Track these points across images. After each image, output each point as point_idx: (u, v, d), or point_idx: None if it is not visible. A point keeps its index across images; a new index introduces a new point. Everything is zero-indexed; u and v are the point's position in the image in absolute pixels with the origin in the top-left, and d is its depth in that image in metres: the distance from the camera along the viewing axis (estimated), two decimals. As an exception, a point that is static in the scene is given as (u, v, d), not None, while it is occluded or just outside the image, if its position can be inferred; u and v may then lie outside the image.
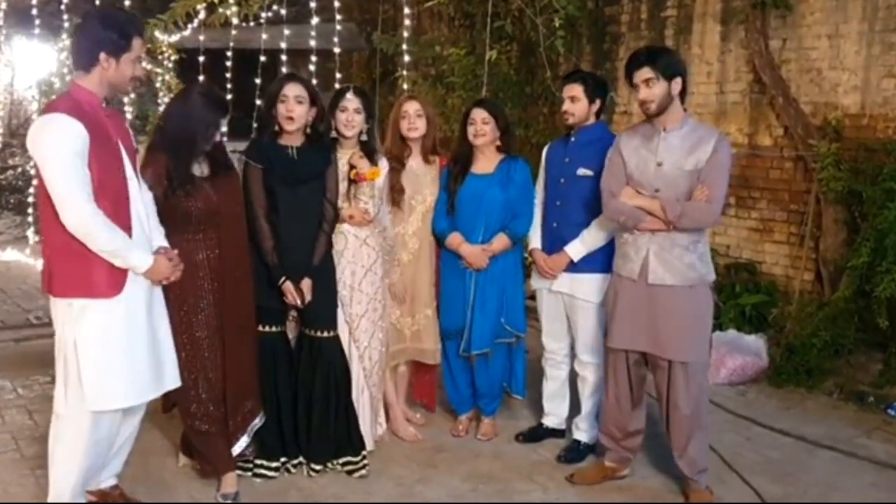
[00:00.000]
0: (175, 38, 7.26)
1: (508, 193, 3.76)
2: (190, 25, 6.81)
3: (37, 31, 7.28)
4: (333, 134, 3.60)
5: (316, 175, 3.43)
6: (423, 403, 4.22)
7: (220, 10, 6.53)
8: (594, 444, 3.76)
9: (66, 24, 6.77)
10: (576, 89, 3.65)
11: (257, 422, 3.32)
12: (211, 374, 3.14)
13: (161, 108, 6.56)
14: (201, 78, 6.38)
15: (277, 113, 3.37)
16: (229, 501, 3.23)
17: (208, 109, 3.06)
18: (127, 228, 2.77)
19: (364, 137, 3.62)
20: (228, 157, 3.27)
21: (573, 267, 3.65)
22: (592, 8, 6.87)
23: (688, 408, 3.23)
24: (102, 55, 2.72)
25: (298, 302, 3.35)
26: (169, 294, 3.01)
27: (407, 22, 6.05)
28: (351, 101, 3.55)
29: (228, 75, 6.45)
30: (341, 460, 3.52)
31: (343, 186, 3.53)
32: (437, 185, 3.85)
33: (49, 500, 2.91)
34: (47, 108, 2.79)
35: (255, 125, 5.74)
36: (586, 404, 3.81)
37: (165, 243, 2.96)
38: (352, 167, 3.55)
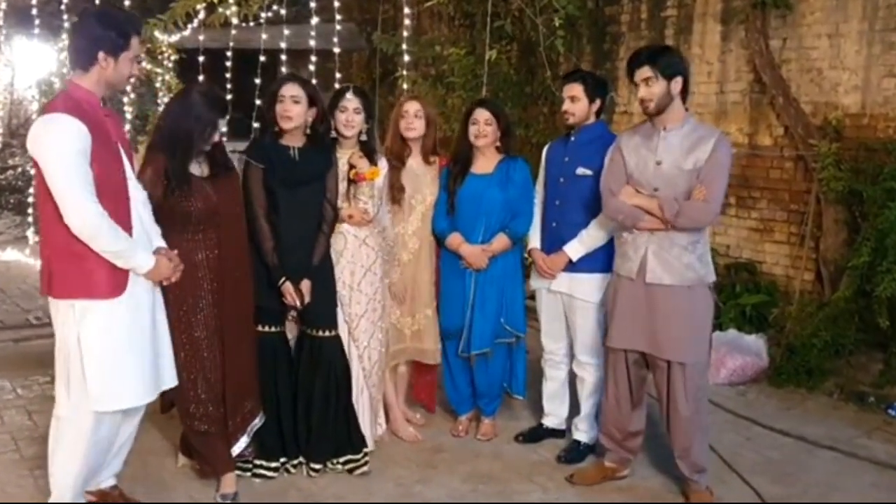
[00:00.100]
0: (175, 38, 7.26)
1: (508, 193, 3.75)
2: (190, 25, 6.82)
3: (37, 31, 7.29)
4: (333, 134, 3.59)
5: (317, 177, 3.43)
6: (422, 404, 4.22)
7: (220, 10, 6.53)
8: (594, 445, 3.76)
9: (66, 24, 6.77)
10: (576, 89, 3.65)
11: (257, 422, 3.31)
12: (210, 375, 3.14)
13: (161, 108, 6.55)
14: (201, 78, 6.38)
15: (276, 113, 3.37)
16: (228, 502, 3.22)
17: (207, 109, 3.05)
18: (128, 228, 2.76)
19: (364, 137, 3.61)
20: (228, 158, 3.26)
21: (572, 267, 3.64)
22: (592, 8, 6.86)
23: (687, 408, 3.23)
24: (101, 54, 2.71)
25: (298, 303, 3.35)
26: (168, 294, 3.00)
27: (407, 22, 6.05)
28: (350, 101, 3.55)
29: (228, 75, 6.46)
30: (342, 459, 3.52)
31: (342, 186, 3.53)
32: (437, 184, 3.85)
33: (50, 501, 2.91)
34: (46, 108, 2.78)
35: (254, 125, 5.76)
36: (585, 405, 3.81)
37: (163, 243, 2.95)
38: (351, 167, 3.55)
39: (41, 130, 2.67)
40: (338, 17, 5.86)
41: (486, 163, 3.81)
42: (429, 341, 3.90)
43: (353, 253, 3.56)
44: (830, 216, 5.12)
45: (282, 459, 3.47)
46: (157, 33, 6.86)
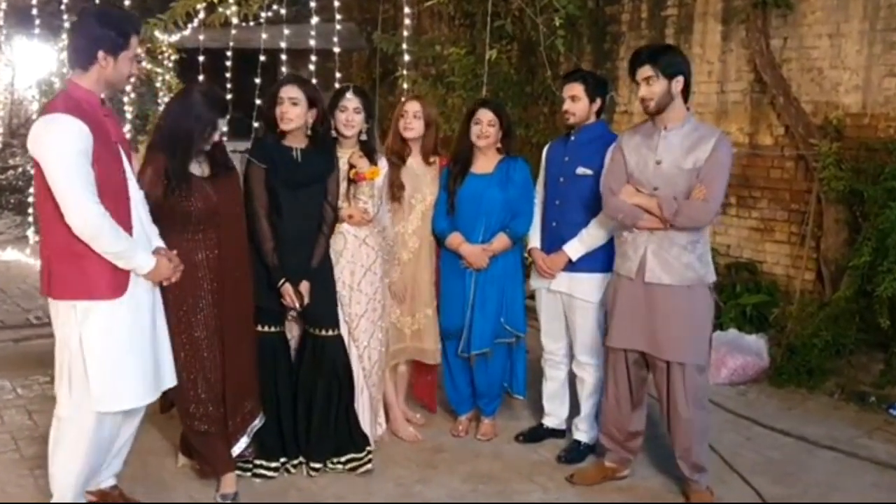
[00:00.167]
0: (175, 37, 7.26)
1: (508, 193, 3.75)
2: (190, 25, 6.81)
3: (37, 31, 7.29)
4: (333, 133, 3.59)
5: (318, 179, 3.44)
6: (423, 403, 4.21)
7: (220, 9, 6.53)
8: (594, 445, 3.75)
9: (66, 24, 6.77)
10: (576, 88, 3.64)
11: (257, 423, 3.31)
12: (210, 375, 3.13)
13: (161, 108, 6.55)
14: (201, 78, 6.38)
15: (275, 114, 3.37)
16: (228, 502, 3.22)
17: (207, 109, 3.05)
18: (128, 228, 2.76)
19: (364, 137, 3.61)
20: (229, 157, 3.26)
21: (571, 266, 3.64)
22: (593, 7, 6.86)
23: (687, 409, 3.22)
24: (101, 53, 2.71)
25: (297, 305, 3.35)
26: (168, 294, 3.00)
27: (407, 21, 6.05)
28: (350, 100, 3.55)
29: (228, 75, 6.46)
30: (344, 458, 3.51)
31: (342, 186, 3.53)
32: (437, 184, 3.84)
33: (50, 502, 2.91)
34: (47, 108, 2.77)
35: (255, 125, 5.76)
36: (585, 405, 3.80)
37: (161, 243, 2.95)
38: (351, 167, 3.55)
39: (42, 130, 2.66)
40: (338, 16, 5.86)
41: (486, 162, 3.81)
42: (429, 341, 3.90)
43: (352, 253, 3.56)
44: (831, 216, 5.11)
45: (282, 459, 3.47)
46: (157, 33, 6.86)
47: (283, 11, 6.49)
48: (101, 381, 2.74)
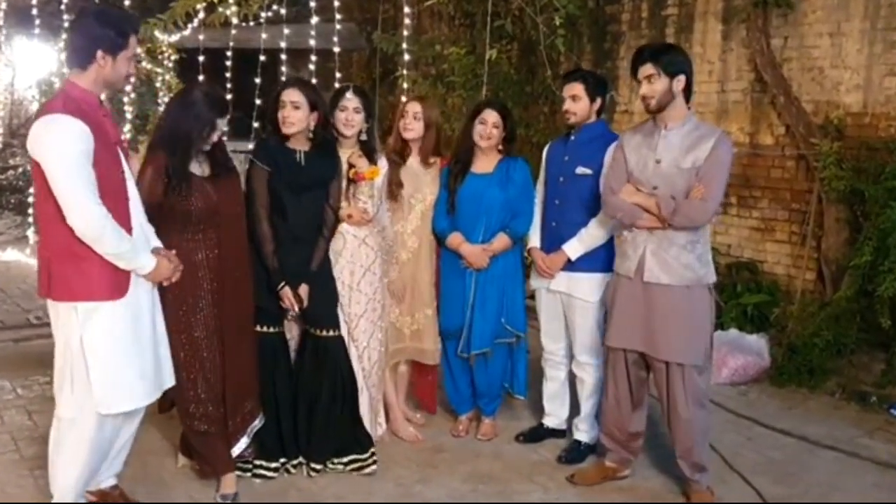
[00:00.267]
0: (175, 37, 7.26)
1: (508, 193, 3.74)
2: (190, 25, 6.81)
3: (37, 31, 7.29)
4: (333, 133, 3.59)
5: (321, 183, 3.43)
6: (423, 403, 4.21)
7: (220, 9, 6.53)
8: (595, 445, 3.75)
9: (66, 24, 6.77)
10: (576, 88, 3.63)
11: (257, 423, 3.31)
12: (210, 375, 3.13)
13: (161, 108, 6.56)
14: (201, 77, 6.38)
15: (277, 118, 3.38)
16: (228, 502, 3.22)
17: (207, 108, 3.04)
18: (128, 229, 2.75)
19: (363, 137, 3.61)
20: (229, 157, 3.25)
21: (571, 266, 3.63)
22: (593, 7, 6.86)
23: (687, 409, 3.21)
24: (99, 53, 2.70)
25: (296, 307, 3.34)
26: (168, 294, 2.99)
27: (407, 21, 6.05)
28: (350, 100, 3.55)
29: (228, 75, 6.46)
30: (346, 459, 3.51)
31: (342, 186, 3.53)
32: (437, 184, 3.84)
33: (51, 502, 2.91)
34: (45, 108, 2.74)
35: (255, 125, 5.77)
36: (585, 405, 3.80)
37: (158, 243, 2.94)
38: (351, 166, 3.54)
39: (43, 131, 2.64)
40: (338, 16, 5.86)
41: (486, 162, 3.80)
42: (428, 341, 3.89)
43: (352, 253, 3.56)
44: (832, 215, 5.11)
45: (282, 460, 3.46)
46: (157, 33, 6.86)
47: (283, 11, 6.49)
48: (104, 382, 2.73)
